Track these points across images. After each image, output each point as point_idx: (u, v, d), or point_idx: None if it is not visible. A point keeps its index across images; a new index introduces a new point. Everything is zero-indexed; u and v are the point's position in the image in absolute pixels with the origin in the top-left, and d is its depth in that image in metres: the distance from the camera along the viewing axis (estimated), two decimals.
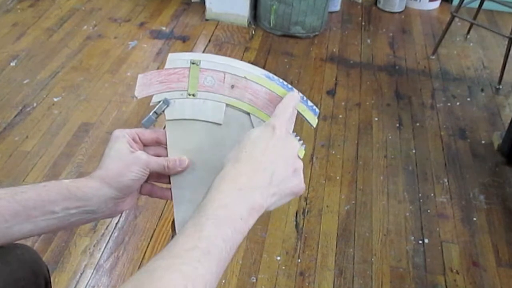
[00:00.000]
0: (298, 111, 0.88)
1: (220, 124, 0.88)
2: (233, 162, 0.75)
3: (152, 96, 0.89)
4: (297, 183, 0.80)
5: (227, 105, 0.88)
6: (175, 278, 0.61)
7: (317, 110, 0.91)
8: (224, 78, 0.88)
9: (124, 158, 0.85)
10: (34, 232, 0.84)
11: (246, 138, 0.78)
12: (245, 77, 0.88)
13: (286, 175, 0.77)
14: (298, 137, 0.84)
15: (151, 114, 0.88)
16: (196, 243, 0.66)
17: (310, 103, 0.90)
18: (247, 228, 0.72)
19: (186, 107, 0.89)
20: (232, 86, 0.88)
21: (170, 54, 0.90)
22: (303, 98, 0.88)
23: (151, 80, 0.89)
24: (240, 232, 0.71)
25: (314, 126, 0.91)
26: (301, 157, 0.84)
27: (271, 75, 0.88)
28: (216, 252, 0.67)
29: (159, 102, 0.88)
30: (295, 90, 0.88)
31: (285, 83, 0.89)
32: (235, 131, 0.87)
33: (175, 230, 0.87)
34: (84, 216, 0.85)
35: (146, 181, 0.90)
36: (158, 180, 0.93)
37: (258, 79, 0.88)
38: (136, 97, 0.89)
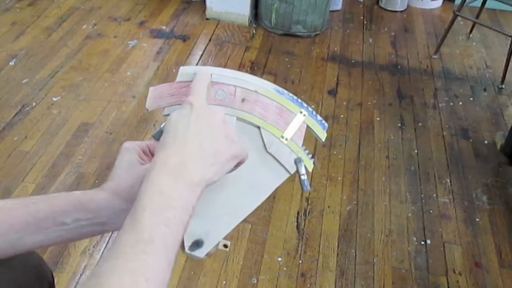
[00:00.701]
0: (307, 126, 0.89)
1: None
2: (159, 149, 0.73)
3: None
4: (233, 147, 0.78)
5: (238, 118, 0.87)
6: (122, 277, 0.60)
7: (326, 124, 0.92)
8: (235, 92, 0.87)
9: (135, 170, 0.85)
10: (45, 243, 0.83)
11: (168, 123, 0.76)
12: (255, 91, 0.88)
13: (217, 144, 0.75)
14: (307, 151, 0.85)
15: (161, 126, 0.86)
16: (137, 236, 0.64)
17: (319, 118, 0.91)
18: (191, 205, 0.70)
19: None
20: (243, 100, 0.87)
21: (181, 68, 0.89)
22: (312, 113, 0.89)
23: (162, 93, 0.89)
24: (184, 211, 0.69)
25: (323, 140, 0.92)
26: (309, 170, 0.85)
27: (281, 89, 0.89)
28: (160, 239, 0.65)
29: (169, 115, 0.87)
30: (305, 105, 0.89)
31: (295, 97, 0.89)
32: (245, 144, 0.85)
33: (183, 244, 0.85)
34: (95, 228, 0.84)
35: None
36: None
37: (268, 93, 0.88)
38: (148, 110, 0.89)
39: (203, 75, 0.86)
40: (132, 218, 0.66)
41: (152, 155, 0.90)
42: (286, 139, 0.89)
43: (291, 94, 0.89)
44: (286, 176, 0.93)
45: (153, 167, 0.71)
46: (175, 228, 0.67)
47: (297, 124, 0.90)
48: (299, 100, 0.89)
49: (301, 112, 0.91)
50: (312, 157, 0.87)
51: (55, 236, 0.82)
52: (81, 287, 0.56)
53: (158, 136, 0.82)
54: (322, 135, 0.91)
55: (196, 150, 0.73)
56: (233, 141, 0.78)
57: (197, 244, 0.83)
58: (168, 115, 0.82)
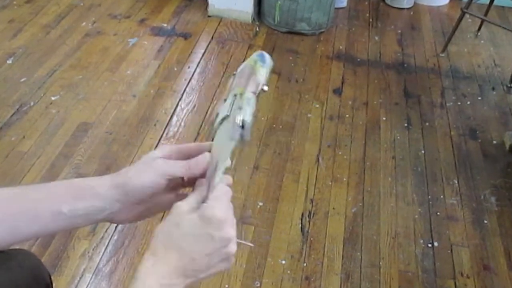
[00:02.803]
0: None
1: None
2: (165, 252, 0.78)
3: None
4: (222, 268, 0.83)
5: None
6: None
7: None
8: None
9: (145, 163, 0.87)
10: (41, 232, 0.84)
11: (178, 231, 0.80)
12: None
13: (210, 266, 0.81)
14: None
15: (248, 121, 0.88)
16: None
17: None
18: None
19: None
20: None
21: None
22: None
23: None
24: None
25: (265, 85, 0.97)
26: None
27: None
28: None
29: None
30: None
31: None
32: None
33: None
34: (91, 216, 0.85)
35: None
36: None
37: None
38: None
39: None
40: None
41: (189, 155, 0.90)
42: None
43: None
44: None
45: (149, 271, 0.77)
46: None
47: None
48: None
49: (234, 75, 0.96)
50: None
51: (52, 226, 0.84)
52: None
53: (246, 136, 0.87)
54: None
55: (189, 269, 0.79)
56: (227, 262, 0.83)
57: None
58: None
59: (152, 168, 0.85)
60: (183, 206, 0.80)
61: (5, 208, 0.81)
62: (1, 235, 0.81)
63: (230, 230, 0.80)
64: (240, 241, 0.89)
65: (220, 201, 0.81)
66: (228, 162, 0.87)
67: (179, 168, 0.85)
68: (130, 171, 0.86)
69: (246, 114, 0.87)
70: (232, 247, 0.81)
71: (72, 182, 0.86)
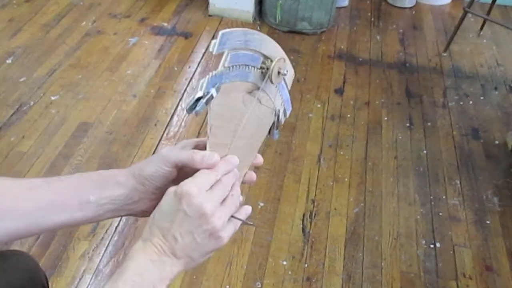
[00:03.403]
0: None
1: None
2: (149, 228, 0.82)
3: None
4: (212, 247, 0.84)
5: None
6: None
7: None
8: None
9: (153, 155, 0.89)
10: (67, 223, 0.86)
11: (158, 211, 0.83)
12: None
13: (197, 246, 0.82)
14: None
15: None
16: None
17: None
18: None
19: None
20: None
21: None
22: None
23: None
24: None
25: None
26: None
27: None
28: None
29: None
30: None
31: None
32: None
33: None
34: (113, 208, 0.88)
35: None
36: None
37: None
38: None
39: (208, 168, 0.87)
40: (113, 287, 0.76)
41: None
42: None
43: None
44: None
45: (142, 249, 0.80)
46: None
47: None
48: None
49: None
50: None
51: (79, 216, 0.86)
52: None
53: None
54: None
55: (177, 249, 0.81)
56: (218, 237, 0.83)
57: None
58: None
59: (158, 156, 0.87)
60: (170, 189, 0.82)
61: (32, 198, 0.83)
62: (29, 225, 0.83)
63: (205, 204, 0.80)
64: (238, 218, 0.89)
65: (196, 178, 0.82)
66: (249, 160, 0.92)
67: (183, 156, 0.86)
68: (142, 162, 0.88)
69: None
70: (215, 223, 0.81)
71: (93, 173, 0.89)
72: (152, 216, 0.82)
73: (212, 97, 0.81)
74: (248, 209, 0.91)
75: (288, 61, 0.92)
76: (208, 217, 0.80)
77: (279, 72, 0.89)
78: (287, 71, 0.90)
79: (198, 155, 0.84)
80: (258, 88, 0.89)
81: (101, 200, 0.86)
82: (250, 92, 0.89)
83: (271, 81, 0.89)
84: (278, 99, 0.94)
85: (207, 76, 0.82)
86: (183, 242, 0.80)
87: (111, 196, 0.86)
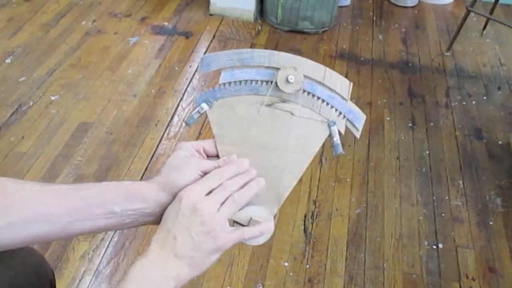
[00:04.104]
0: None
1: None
2: (156, 235, 0.86)
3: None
4: (213, 243, 0.86)
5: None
6: None
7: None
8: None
9: (180, 164, 0.90)
10: (92, 230, 0.88)
11: (164, 215, 0.87)
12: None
13: (195, 245, 0.84)
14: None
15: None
16: None
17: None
18: None
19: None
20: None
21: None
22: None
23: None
24: None
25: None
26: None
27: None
28: None
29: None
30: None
31: None
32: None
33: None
34: (139, 219, 0.90)
35: None
36: None
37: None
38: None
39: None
40: None
41: (207, 155, 0.97)
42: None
43: None
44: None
45: (144, 254, 0.84)
46: None
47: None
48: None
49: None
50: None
51: (102, 224, 0.87)
52: None
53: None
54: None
55: (175, 249, 0.84)
56: (215, 236, 0.85)
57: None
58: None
59: (190, 167, 0.90)
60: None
61: (62, 204, 0.84)
62: (57, 229, 0.84)
63: (200, 203, 0.84)
64: (240, 223, 0.93)
65: (198, 181, 0.88)
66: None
67: (211, 165, 0.91)
68: (173, 173, 0.90)
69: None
70: (210, 221, 0.84)
71: (122, 183, 0.90)
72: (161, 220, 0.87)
73: (204, 111, 0.96)
74: (260, 181, 0.94)
75: (336, 73, 0.96)
76: (202, 215, 0.83)
77: (288, 81, 0.93)
78: (293, 77, 0.93)
79: (221, 161, 0.93)
80: (283, 101, 0.95)
81: (127, 211, 0.88)
82: (270, 105, 0.95)
83: (282, 90, 0.94)
84: (327, 110, 0.97)
85: (199, 94, 0.96)
86: (182, 240, 0.83)
87: (138, 209, 0.89)
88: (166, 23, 3.64)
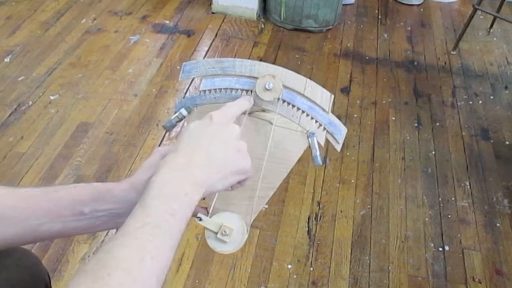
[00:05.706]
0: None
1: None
2: (172, 152, 0.84)
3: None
4: (241, 162, 0.87)
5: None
6: (131, 251, 0.69)
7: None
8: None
9: (154, 165, 0.90)
10: (63, 233, 0.88)
11: (185, 129, 0.87)
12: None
13: (226, 156, 0.85)
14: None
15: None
16: (145, 220, 0.73)
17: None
18: (194, 202, 0.79)
19: None
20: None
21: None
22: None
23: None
24: (187, 206, 0.78)
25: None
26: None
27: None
28: (166, 225, 0.74)
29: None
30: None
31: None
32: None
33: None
34: (111, 220, 0.91)
35: None
36: None
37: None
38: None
39: (245, 102, 0.96)
40: (141, 204, 0.75)
41: None
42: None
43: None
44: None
45: (164, 164, 0.80)
46: (179, 219, 0.76)
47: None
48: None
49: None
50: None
51: (73, 226, 0.88)
52: (92, 260, 0.62)
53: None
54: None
55: (204, 156, 0.83)
56: (244, 157, 0.87)
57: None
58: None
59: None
60: None
61: (30, 206, 0.85)
62: (25, 232, 0.85)
63: (220, 113, 0.89)
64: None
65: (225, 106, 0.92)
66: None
67: None
68: (147, 172, 0.90)
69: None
70: (229, 129, 0.88)
71: (91, 185, 0.90)
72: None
73: (183, 117, 0.99)
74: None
75: (317, 85, 1.01)
76: (221, 124, 0.87)
77: (266, 88, 0.96)
78: (272, 84, 0.97)
79: None
80: (263, 110, 0.98)
81: (96, 212, 0.88)
82: (250, 113, 0.98)
83: (261, 97, 0.97)
84: (306, 121, 0.99)
85: (178, 99, 0.99)
86: (203, 145, 0.84)
87: (108, 209, 0.89)
88: (167, 22, 3.64)
